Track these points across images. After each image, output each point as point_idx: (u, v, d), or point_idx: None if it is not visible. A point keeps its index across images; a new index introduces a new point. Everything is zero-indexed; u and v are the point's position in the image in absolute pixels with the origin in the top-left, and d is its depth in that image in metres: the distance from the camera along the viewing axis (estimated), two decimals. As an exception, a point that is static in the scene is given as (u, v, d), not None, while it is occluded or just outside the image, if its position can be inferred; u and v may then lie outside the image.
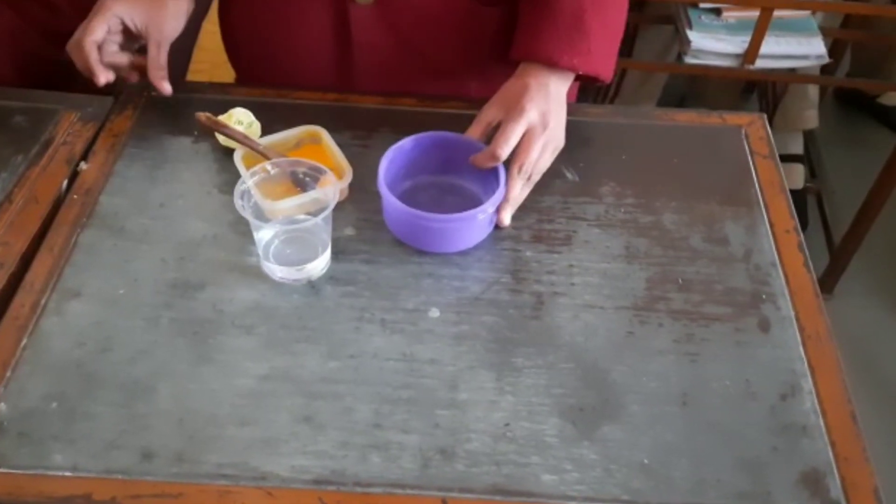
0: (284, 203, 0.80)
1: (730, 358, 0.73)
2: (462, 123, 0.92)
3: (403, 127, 0.92)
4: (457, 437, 0.67)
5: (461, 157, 0.82)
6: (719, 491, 0.64)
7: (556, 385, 0.70)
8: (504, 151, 0.79)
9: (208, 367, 0.70)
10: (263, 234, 0.78)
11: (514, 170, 0.80)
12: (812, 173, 2.11)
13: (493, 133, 0.81)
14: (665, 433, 0.67)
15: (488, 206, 0.77)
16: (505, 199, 0.80)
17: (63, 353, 0.71)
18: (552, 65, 0.83)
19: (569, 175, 0.88)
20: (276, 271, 0.77)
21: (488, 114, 0.84)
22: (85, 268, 0.77)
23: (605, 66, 0.85)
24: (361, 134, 0.91)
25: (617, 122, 0.94)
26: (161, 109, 0.93)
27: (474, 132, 0.84)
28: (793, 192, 1.93)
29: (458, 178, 0.85)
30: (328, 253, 0.78)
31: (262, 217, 0.78)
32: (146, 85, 0.96)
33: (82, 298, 0.75)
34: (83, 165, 0.86)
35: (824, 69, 1.77)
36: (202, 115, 0.86)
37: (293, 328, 0.73)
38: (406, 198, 0.79)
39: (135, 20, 0.87)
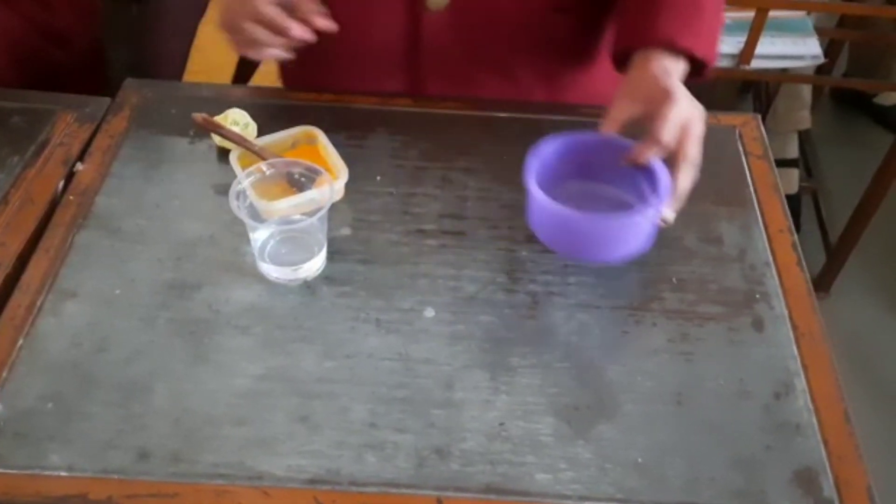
0: (280, 204, 0.81)
1: (724, 357, 0.73)
2: (459, 123, 0.93)
3: (399, 127, 0.92)
4: (452, 436, 0.67)
5: (602, 159, 0.77)
6: (713, 490, 0.65)
7: (551, 384, 0.70)
8: (669, 137, 0.73)
9: (204, 367, 0.71)
10: (259, 235, 0.78)
11: (681, 159, 0.74)
12: (808, 173, 2.12)
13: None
14: (659, 432, 0.68)
15: (659, 203, 0.71)
16: (673, 194, 0.74)
17: (59, 354, 0.71)
18: (670, 47, 0.79)
19: (564, 175, 0.88)
20: (272, 272, 0.77)
21: (624, 109, 0.79)
22: (81, 268, 0.77)
23: (711, 51, 0.81)
24: (357, 134, 0.91)
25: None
26: (157, 110, 0.93)
27: (610, 129, 0.79)
28: (788, 196, 1.94)
29: (601, 183, 0.79)
30: (324, 253, 0.78)
31: (258, 217, 0.78)
32: (142, 85, 0.96)
33: (78, 299, 0.75)
34: (79, 166, 0.87)
35: (820, 69, 1.77)
36: (198, 116, 0.86)
37: (289, 328, 0.74)
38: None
39: None
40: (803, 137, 2.16)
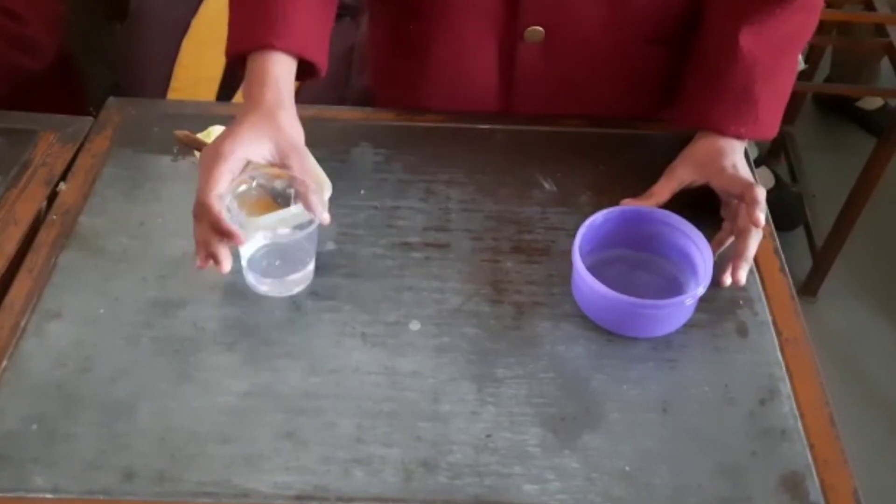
0: (265, 219, 0.81)
1: (708, 363, 0.73)
2: (442, 136, 0.94)
3: (382, 141, 0.93)
4: (439, 449, 0.67)
5: (650, 229, 0.80)
6: (700, 497, 0.65)
7: (537, 395, 0.70)
8: (761, 219, 0.77)
9: (189, 385, 0.70)
10: (247, 248, 0.78)
11: (750, 227, 0.77)
12: (793, 177, 2.13)
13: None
14: (645, 440, 0.68)
15: (699, 290, 0.72)
16: (744, 258, 0.77)
17: (43, 375, 0.71)
18: (720, 134, 0.84)
19: (546, 185, 0.88)
20: (261, 285, 0.77)
21: (681, 174, 0.84)
22: (65, 288, 0.77)
23: (770, 129, 0.85)
24: (340, 149, 0.91)
25: (593, 131, 0.95)
26: (140, 129, 0.93)
27: (664, 190, 0.83)
28: (776, 191, 1.94)
29: (645, 251, 0.81)
30: (312, 265, 0.78)
31: (245, 228, 0.77)
32: (125, 103, 0.96)
33: (62, 319, 0.75)
34: (62, 186, 0.87)
35: (802, 75, 1.79)
36: (180, 133, 0.86)
37: (274, 344, 0.74)
38: (593, 273, 0.73)
39: (264, 154, 0.74)
40: (787, 141, 2.18)
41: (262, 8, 0.78)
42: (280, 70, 0.77)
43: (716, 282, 0.76)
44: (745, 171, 0.83)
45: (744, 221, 0.78)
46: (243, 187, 0.76)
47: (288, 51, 0.78)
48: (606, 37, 0.89)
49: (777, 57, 0.84)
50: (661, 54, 0.93)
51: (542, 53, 0.90)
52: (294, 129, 0.77)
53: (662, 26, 0.90)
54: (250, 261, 0.78)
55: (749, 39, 0.82)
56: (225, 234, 0.70)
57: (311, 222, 0.75)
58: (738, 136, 0.84)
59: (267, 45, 0.77)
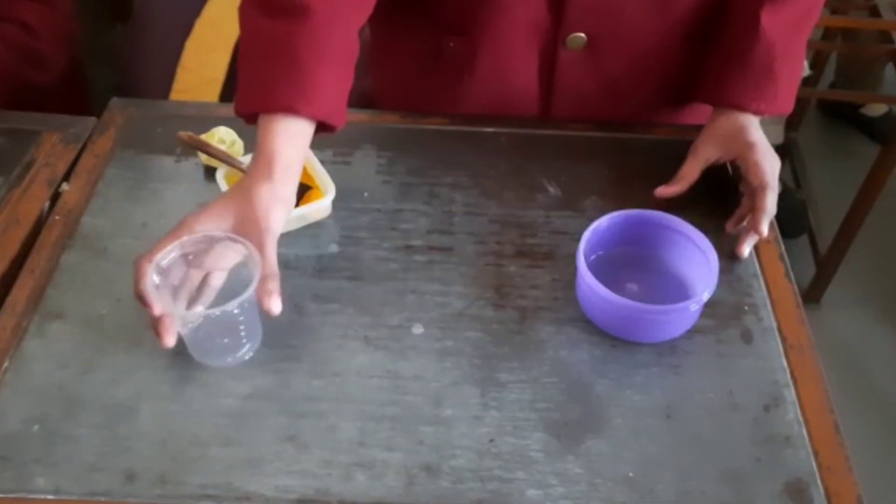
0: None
1: (713, 369, 0.73)
2: (446, 139, 0.93)
3: (385, 144, 0.92)
4: (441, 453, 0.67)
5: (655, 234, 0.80)
6: (704, 503, 0.64)
7: (541, 399, 0.70)
8: (772, 195, 0.80)
9: (191, 388, 0.70)
10: (185, 321, 0.70)
11: (763, 217, 0.80)
12: (797, 183, 2.13)
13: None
14: (649, 446, 0.68)
15: (704, 295, 0.72)
16: (754, 232, 0.81)
17: (45, 376, 0.70)
18: (741, 110, 0.85)
19: (551, 189, 0.88)
20: (203, 359, 0.72)
21: (705, 152, 0.86)
22: (67, 289, 0.77)
23: (787, 105, 0.87)
24: (344, 151, 0.91)
25: (597, 136, 0.95)
26: (143, 130, 0.93)
27: (692, 170, 0.86)
28: (782, 198, 1.94)
29: (650, 256, 0.81)
30: (254, 334, 0.73)
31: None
32: (128, 104, 0.96)
33: (64, 320, 0.74)
34: (65, 186, 0.86)
35: (806, 81, 1.79)
36: (184, 135, 0.86)
37: (276, 347, 0.73)
38: (597, 277, 0.72)
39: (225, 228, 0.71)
40: (791, 148, 2.18)
41: (288, 66, 0.72)
42: (297, 131, 0.73)
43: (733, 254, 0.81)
44: (767, 148, 0.84)
45: (755, 205, 0.81)
46: (172, 255, 0.69)
47: (313, 117, 0.74)
48: (648, 39, 0.90)
49: (794, 35, 0.85)
50: (696, 50, 0.92)
51: (584, 59, 0.90)
52: (275, 212, 0.71)
53: (702, 24, 0.90)
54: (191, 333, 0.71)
55: (769, 18, 0.83)
56: (141, 301, 0.67)
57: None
58: (758, 112, 0.85)
59: (290, 110, 0.72)
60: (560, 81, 0.92)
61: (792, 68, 0.86)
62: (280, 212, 0.72)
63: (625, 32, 0.89)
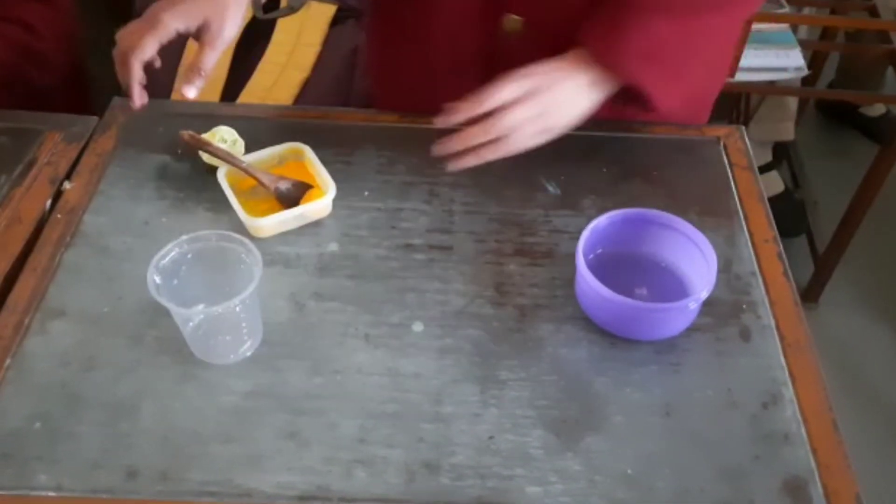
0: (268, 220, 0.81)
1: (711, 367, 0.73)
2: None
3: (386, 143, 0.93)
4: (441, 450, 0.67)
5: (653, 232, 0.79)
6: (702, 500, 0.65)
7: (540, 397, 0.71)
8: (488, 100, 0.76)
9: (192, 385, 0.70)
10: (184, 321, 0.71)
11: (487, 120, 0.77)
12: (795, 183, 2.13)
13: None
14: (648, 443, 0.68)
15: (702, 294, 0.72)
16: (448, 137, 0.78)
17: (47, 373, 0.71)
18: (586, 47, 0.81)
19: (550, 188, 0.89)
20: (203, 354, 0.72)
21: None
22: (69, 287, 0.77)
23: (637, 69, 0.81)
24: (344, 151, 0.92)
25: (597, 135, 0.95)
26: (144, 128, 0.94)
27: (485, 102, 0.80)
28: (783, 197, 1.94)
29: (649, 254, 0.80)
30: (255, 331, 0.74)
31: (185, 301, 0.71)
32: (128, 104, 0.96)
33: (66, 318, 0.75)
34: (67, 185, 0.87)
35: (805, 81, 1.79)
36: (185, 134, 0.86)
37: (277, 344, 0.74)
38: (596, 276, 0.73)
39: (190, 27, 0.80)
40: (790, 148, 2.18)
41: None
42: None
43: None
44: (548, 81, 0.79)
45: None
46: (173, 254, 0.71)
47: None
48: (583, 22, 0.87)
49: (667, 4, 0.80)
50: None
51: (521, 42, 0.88)
52: (233, 21, 0.80)
53: None
54: (192, 330, 0.72)
55: None
56: (129, 93, 0.82)
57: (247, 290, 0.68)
58: (595, 51, 0.81)
59: None
60: (499, 64, 0.87)
61: (654, 34, 0.80)
62: (236, 19, 0.81)
63: (560, 15, 0.86)
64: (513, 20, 0.87)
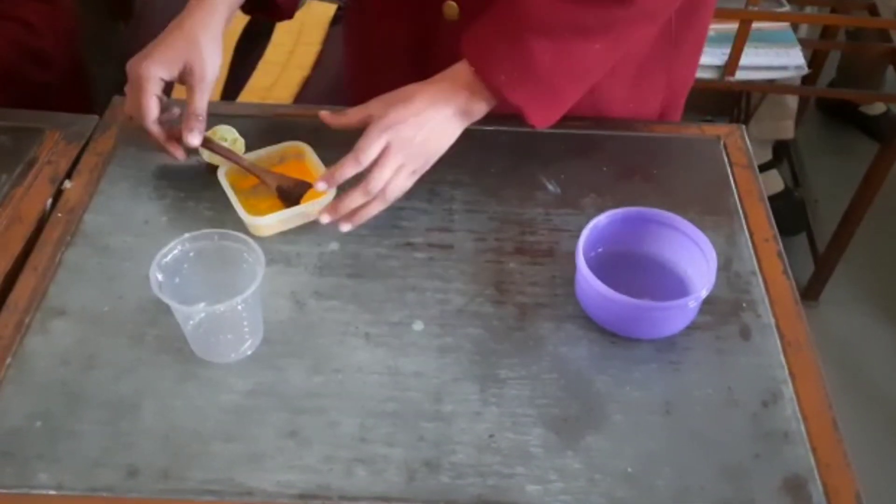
0: (268, 219, 0.81)
1: (711, 366, 0.73)
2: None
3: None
4: (442, 449, 0.67)
5: (653, 231, 0.80)
6: (703, 498, 0.65)
7: (540, 395, 0.71)
8: (365, 156, 0.77)
9: (193, 384, 0.71)
10: (185, 319, 0.72)
11: (362, 184, 0.78)
12: (796, 181, 2.14)
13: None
14: (648, 442, 0.68)
15: (702, 292, 0.72)
16: (333, 203, 0.79)
17: (47, 372, 0.71)
18: (463, 57, 0.80)
19: (550, 187, 0.89)
20: (203, 353, 0.73)
21: (372, 106, 0.81)
22: (69, 286, 0.77)
23: (517, 93, 0.79)
24: (345, 150, 0.91)
25: (597, 133, 0.95)
26: (145, 128, 0.93)
27: (354, 116, 0.82)
28: (783, 196, 1.94)
29: (649, 253, 0.80)
30: (255, 330, 0.74)
31: (188, 299, 0.71)
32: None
33: (67, 317, 0.75)
34: (67, 184, 0.87)
35: (805, 79, 1.79)
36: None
37: (277, 343, 0.74)
38: (596, 274, 0.73)
39: (173, 74, 0.81)
40: (790, 146, 2.18)
41: None
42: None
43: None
44: (407, 123, 0.78)
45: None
46: (176, 252, 0.72)
47: None
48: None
49: (548, 23, 0.78)
50: None
51: (459, 30, 0.84)
52: (211, 60, 0.82)
53: None
54: (194, 328, 0.73)
55: None
56: (164, 148, 0.85)
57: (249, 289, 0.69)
58: (466, 55, 0.80)
59: None
60: (443, 54, 0.86)
61: (529, 51, 0.78)
62: (215, 59, 0.82)
63: (493, 3, 0.83)
64: (450, 7, 0.87)
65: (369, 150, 0.77)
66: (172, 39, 0.81)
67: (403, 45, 0.93)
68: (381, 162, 0.78)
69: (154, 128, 0.83)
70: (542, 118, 0.82)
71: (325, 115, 0.85)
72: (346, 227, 0.80)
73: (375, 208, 0.80)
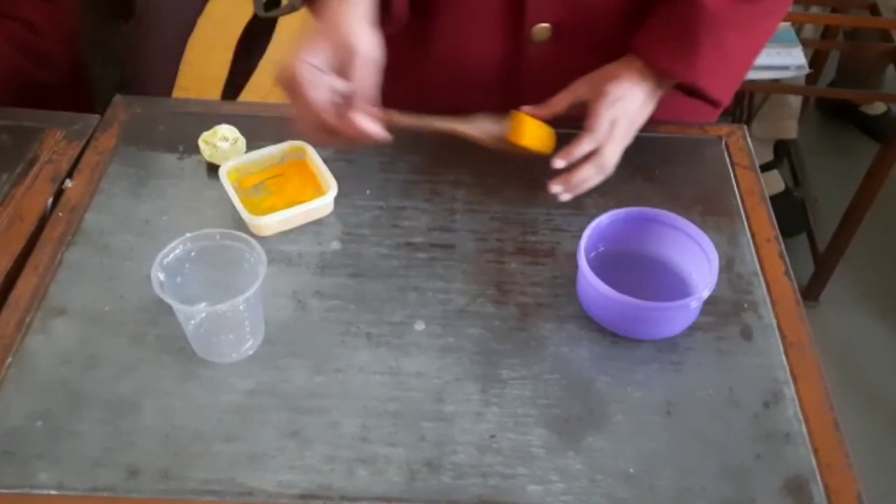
0: (270, 218, 0.81)
1: (713, 366, 0.73)
2: (448, 136, 0.93)
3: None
4: (443, 449, 0.67)
5: (655, 231, 0.80)
6: (704, 499, 0.65)
7: (542, 396, 0.71)
8: (601, 132, 0.81)
9: (194, 383, 0.70)
10: (189, 317, 0.71)
11: (596, 158, 0.81)
12: (796, 181, 2.13)
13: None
14: (650, 442, 0.68)
15: (704, 293, 0.72)
16: (566, 176, 0.82)
17: (48, 372, 0.71)
18: (651, 65, 0.84)
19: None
20: (205, 354, 0.73)
21: (580, 87, 0.85)
22: (70, 285, 0.77)
23: (713, 83, 0.85)
24: (345, 149, 0.91)
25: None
26: (146, 126, 0.94)
27: (563, 101, 0.85)
28: (783, 196, 1.94)
29: (650, 253, 0.81)
30: (257, 330, 0.74)
31: (189, 299, 0.71)
32: (131, 101, 0.96)
33: (67, 316, 0.75)
34: (68, 183, 0.87)
35: (806, 79, 1.79)
36: (385, 115, 0.78)
37: (279, 343, 0.74)
38: (597, 274, 0.73)
39: (330, 63, 0.74)
40: (791, 146, 2.18)
41: None
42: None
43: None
44: (621, 106, 0.82)
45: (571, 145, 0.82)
46: (177, 251, 0.71)
47: None
48: (614, 26, 0.88)
49: (738, 14, 0.82)
50: None
51: (549, 51, 0.88)
52: (361, 36, 0.74)
53: None
54: (195, 327, 0.72)
55: None
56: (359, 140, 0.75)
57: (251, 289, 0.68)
58: (668, 71, 0.84)
59: None
60: (525, 72, 0.90)
61: (723, 46, 0.83)
62: (367, 36, 0.74)
63: (590, 19, 0.87)
64: (542, 29, 0.87)
65: (603, 125, 0.81)
66: (313, 32, 0.75)
67: (485, 68, 0.92)
68: (612, 136, 0.82)
69: (339, 121, 0.74)
70: (727, 99, 0.88)
71: (528, 109, 0.84)
72: (567, 197, 0.84)
73: (596, 179, 0.84)
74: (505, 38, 0.89)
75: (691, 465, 0.67)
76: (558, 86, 0.91)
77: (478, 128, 0.82)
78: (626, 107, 0.82)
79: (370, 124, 0.74)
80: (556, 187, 0.83)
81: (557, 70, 0.90)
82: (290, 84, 0.73)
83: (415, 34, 0.91)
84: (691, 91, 0.86)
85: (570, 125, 0.84)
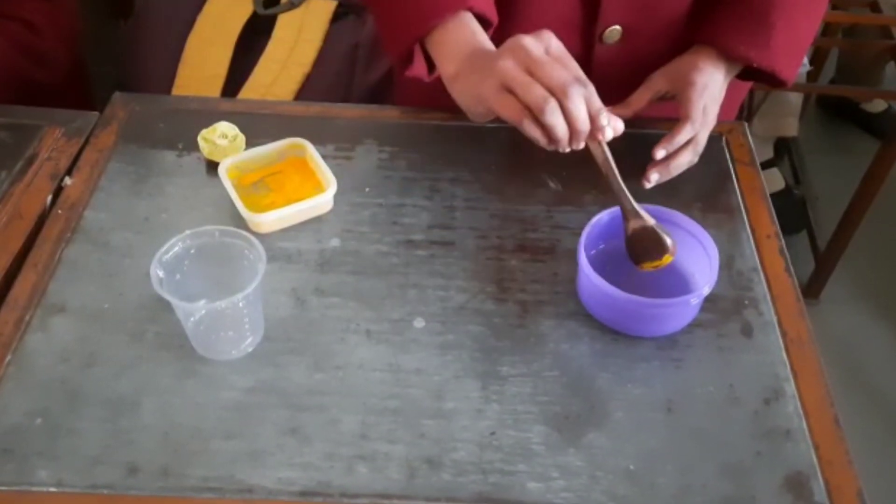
0: (269, 216, 0.81)
1: (713, 363, 0.73)
2: (447, 134, 0.93)
3: (387, 138, 0.93)
4: (443, 446, 0.67)
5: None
6: (705, 496, 0.65)
7: (542, 393, 0.70)
8: (697, 120, 0.83)
9: (193, 381, 0.70)
10: (186, 315, 0.71)
11: (692, 145, 0.84)
12: (796, 179, 2.13)
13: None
14: (650, 439, 0.68)
15: (704, 290, 0.72)
16: (665, 163, 0.84)
17: (47, 369, 0.71)
18: (728, 53, 0.85)
19: (552, 184, 0.88)
20: (204, 351, 0.72)
21: (658, 82, 0.87)
22: (69, 283, 0.77)
23: (785, 65, 0.86)
24: (345, 146, 0.91)
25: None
26: (145, 124, 0.93)
27: (642, 97, 0.88)
28: (784, 194, 1.94)
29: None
30: (256, 327, 0.73)
31: (188, 295, 0.70)
32: (130, 99, 0.96)
33: (66, 314, 0.75)
34: (67, 181, 0.87)
35: (806, 77, 1.79)
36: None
37: (278, 340, 0.73)
38: (597, 272, 0.72)
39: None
40: (791, 144, 2.18)
41: None
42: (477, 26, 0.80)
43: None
44: (710, 93, 0.85)
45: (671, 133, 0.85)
46: (177, 248, 0.71)
47: (472, 9, 0.80)
48: (680, 27, 0.90)
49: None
50: None
51: (619, 51, 0.90)
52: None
53: None
54: (195, 325, 0.72)
55: None
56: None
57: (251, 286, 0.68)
58: (745, 56, 0.85)
59: (462, 7, 0.79)
60: (595, 73, 0.91)
61: (793, 28, 0.86)
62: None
63: (660, 20, 0.89)
64: (613, 31, 0.89)
65: (697, 113, 0.84)
66: (474, 69, 0.78)
67: None
68: (706, 122, 0.85)
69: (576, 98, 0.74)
70: (794, 78, 0.90)
71: (614, 109, 0.83)
72: (653, 180, 0.86)
73: (688, 165, 0.87)
74: (578, 40, 0.90)
75: (692, 462, 0.66)
76: (624, 84, 0.92)
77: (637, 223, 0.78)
78: (712, 93, 0.85)
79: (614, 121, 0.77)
80: (654, 175, 0.85)
81: (625, 70, 0.91)
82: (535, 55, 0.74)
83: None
84: (754, 73, 0.88)
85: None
